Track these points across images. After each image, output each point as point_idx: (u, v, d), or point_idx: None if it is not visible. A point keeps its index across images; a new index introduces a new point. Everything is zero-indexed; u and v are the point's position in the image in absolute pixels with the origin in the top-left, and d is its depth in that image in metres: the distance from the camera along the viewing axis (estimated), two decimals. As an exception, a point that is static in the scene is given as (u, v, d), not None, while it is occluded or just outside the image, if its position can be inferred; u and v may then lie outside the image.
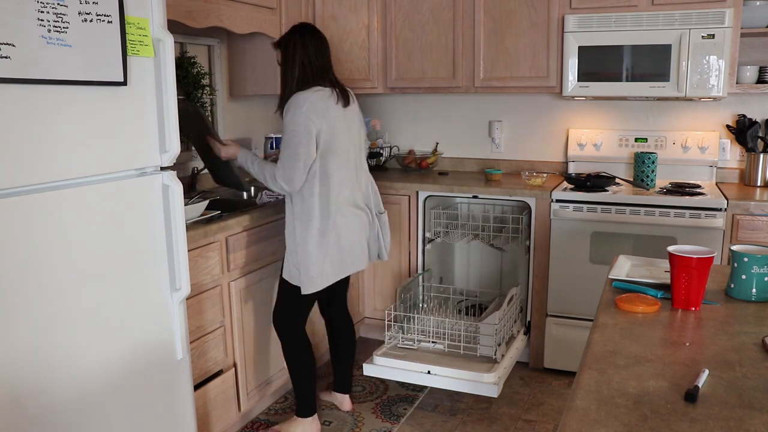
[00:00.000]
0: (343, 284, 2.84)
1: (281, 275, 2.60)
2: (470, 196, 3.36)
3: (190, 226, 2.31)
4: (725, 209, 2.91)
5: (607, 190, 3.20)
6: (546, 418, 2.88)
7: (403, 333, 3.13)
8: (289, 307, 2.63)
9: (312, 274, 2.48)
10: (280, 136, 3.53)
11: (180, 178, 2.06)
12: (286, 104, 2.46)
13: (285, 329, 2.64)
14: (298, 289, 2.54)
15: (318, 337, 3.17)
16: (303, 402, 2.68)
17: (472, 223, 3.54)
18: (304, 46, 2.49)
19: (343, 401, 2.93)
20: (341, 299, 2.89)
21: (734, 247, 1.61)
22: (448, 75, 3.55)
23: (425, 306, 3.43)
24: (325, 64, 2.54)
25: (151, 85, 1.88)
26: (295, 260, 2.51)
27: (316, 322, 3.08)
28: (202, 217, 2.49)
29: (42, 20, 1.54)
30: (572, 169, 3.67)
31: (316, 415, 2.73)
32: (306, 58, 2.49)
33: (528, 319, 3.35)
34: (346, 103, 2.55)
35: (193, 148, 3.03)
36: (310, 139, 2.41)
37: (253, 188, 3.37)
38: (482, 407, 2.97)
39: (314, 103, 2.42)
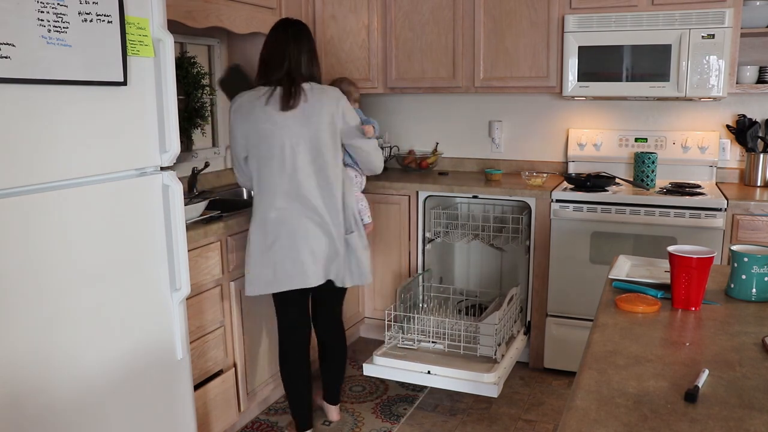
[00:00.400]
0: (323, 298, 2.65)
1: None
2: (470, 196, 3.36)
3: (190, 226, 2.31)
4: (725, 209, 2.91)
5: (607, 190, 3.20)
6: (546, 418, 2.88)
7: (403, 333, 3.13)
8: (276, 311, 2.62)
9: (249, 276, 2.45)
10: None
11: (180, 178, 2.06)
12: None
13: (278, 334, 2.64)
14: (270, 295, 2.54)
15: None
16: (295, 416, 2.64)
17: (472, 223, 3.54)
18: (267, 41, 2.42)
19: (330, 412, 2.84)
20: (325, 311, 2.70)
21: (734, 247, 1.61)
22: (448, 75, 3.55)
23: (425, 306, 3.43)
24: (279, 60, 2.35)
25: (151, 85, 1.88)
26: (246, 260, 2.48)
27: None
28: (202, 217, 2.49)
29: (42, 20, 1.54)
30: (572, 169, 3.67)
31: (310, 431, 2.67)
32: (265, 54, 2.41)
33: (528, 319, 3.35)
34: (287, 103, 2.32)
35: None
36: (236, 140, 2.43)
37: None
38: (482, 407, 2.97)
39: (240, 105, 2.38)
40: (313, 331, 2.74)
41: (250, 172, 2.45)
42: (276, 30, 2.43)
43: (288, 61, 2.37)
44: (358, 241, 2.51)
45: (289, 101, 2.32)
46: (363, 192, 2.81)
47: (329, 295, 2.66)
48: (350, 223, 2.49)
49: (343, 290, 2.67)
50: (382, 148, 3.96)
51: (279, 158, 2.35)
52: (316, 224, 2.41)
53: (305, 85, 2.38)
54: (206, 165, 3.05)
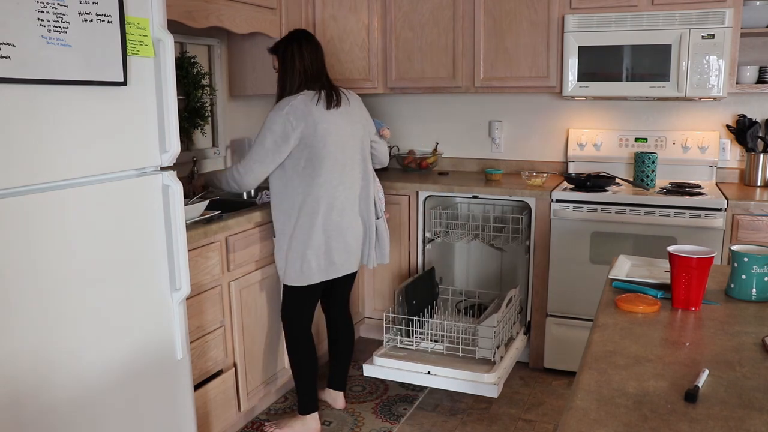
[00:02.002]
0: (344, 283, 2.83)
1: None
2: (470, 196, 3.36)
3: (190, 226, 2.31)
4: (725, 209, 2.91)
5: (607, 190, 3.20)
6: (546, 418, 2.88)
7: (401, 334, 3.12)
8: (291, 304, 2.68)
9: (297, 269, 2.57)
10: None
11: (180, 178, 2.06)
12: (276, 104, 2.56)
13: (289, 326, 2.69)
14: (292, 286, 2.62)
15: (322, 336, 3.18)
16: (304, 399, 2.71)
17: (472, 223, 3.54)
18: (301, 54, 2.57)
19: (337, 398, 2.95)
20: (342, 298, 2.89)
21: (734, 247, 1.61)
22: (448, 75, 3.55)
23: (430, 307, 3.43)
24: (318, 70, 2.60)
25: (151, 85, 1.88)
26: (282, 255, 2.59)
27: (318, 321, 3.07)
28: (202, 217, 2.49)
29: (42, 20, 1.54)
30: (572, 169, 3.67)
31: (316, 414, 2.74)
32: (302, 66, 2.57)
33: (528, 319, 3.35)
34: (333, 105, 2.56)
35: None
36: (283, 141, 2.48)
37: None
38: (482, 407, 2.97)
39: (295, 106, 2.50)
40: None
41: (271, 169, 2.55)
42: (307, 42, 2.61)
43: (323, 71, 2.63)
44: (384, 226, 2.83)
45: (338, 102, 2.58)
46: None
47: (347, 281, 2.85)
48: (379, 210, 2.81)
49: (355, 276, 2.88)
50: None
51: (333, 155, 2.54)
52: (357, 213, 2.67)
53: (341, 88, 2.68)
54: (194, 162, 3.05)
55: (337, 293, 2.86)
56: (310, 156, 2.51)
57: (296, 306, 2.67)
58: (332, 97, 2.57)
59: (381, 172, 3.83)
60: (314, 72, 2.59)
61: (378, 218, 2.78)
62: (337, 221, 2.58)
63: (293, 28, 3.37)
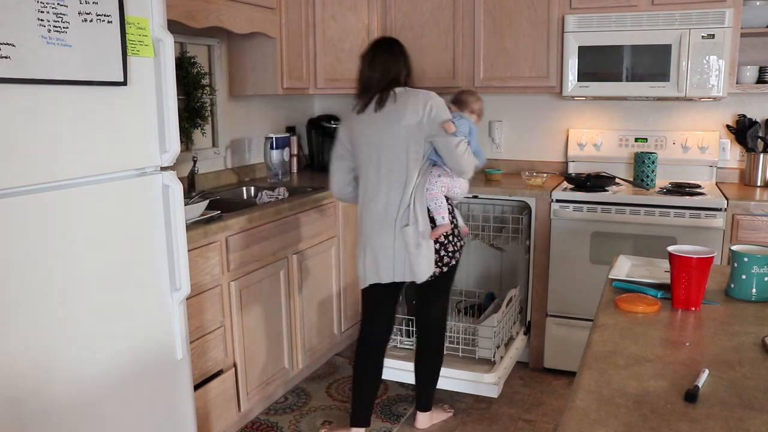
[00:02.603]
0: (421, 291, 2.66)
1: None
2: (470, 196, 3.36)
3: (190, 226, 2.31)
4: (725, 209, 2.91)
5: (607, 190, 3.20)
6: (546, 418, 2.88)
7: (401, 334, 3.12)
8: (362, 307, 2.68)
9: (358, 272, 2.58)
10: (279, 135, 3.54)
11: (180, 178, 2.06)
12: None
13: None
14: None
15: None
16: (352, 409, 2.67)
17: (472, 223, 3.54)
18: (362, 61, 2.54)
19: (419, 419, 2.79)
20: (422, 307, 2.70)
21: (734, 247, 1.61)
22: (448, 75, 3.55)
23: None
24: (373, 75, 2.49)
25: (151, 85, 1.88)
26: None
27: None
28: (202, 217, 2.49)
29: (42, 20, 1.54)
30: (572, 169, 3.67)
31: (362, 429, 2.66)
32: (359, 73, 2.55)
33: (528, 319, 3.35)
34: (374, 108, 2.45)
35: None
36: (341, 149, 2.57)
37: (253, 188, 3.37)
38: (482, 407, 2.97)
39: (345, 115, 2.58)
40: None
41: (340, 174, 2.60)
42: (369, 48, 2.56)
43: (389, 76, 2.48)
44: (411, 237, 2.44)
45: (375, 105, 2.46)
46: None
47: (422, 292, 2.67)
48: (409, 218, 2.45)
49: (434, 291, 2.62)
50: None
51: (368, 161, 2.49)
52: (389, 222, 2.46)
53: (398, 89, 2.48)
54: (195, 161, 3.05)
55: (416, 304, 2.73)
56: (357, 162, 2.54)
57: (363, 308, 2.67)
58: (377, 102, 2.45)
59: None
60: (366, 78, 2.50)
61: (405, 226, 2.44)
62: (369, 229, 2.49)
63: (293, 29, 3.39)
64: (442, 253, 2.52)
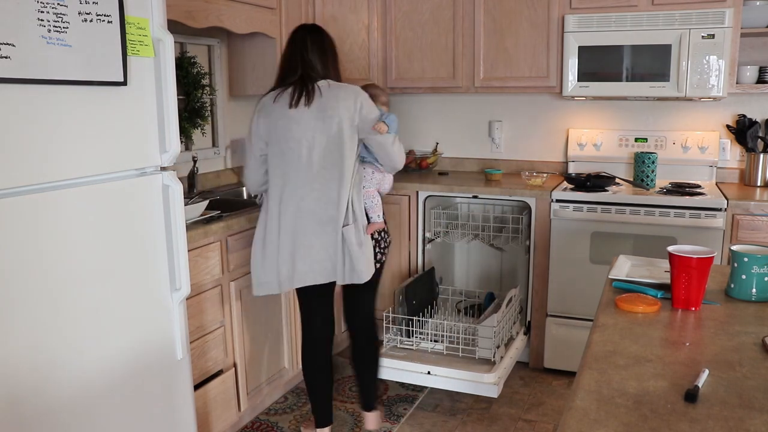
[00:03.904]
0: (350, 291, 2.63)
1: None
2: (470, 196, 3.36)
3: (190, 226, 2.31)
4: (725, 209, 2.91)
5: (607, 190, 3.20)
6: (546, 418, 2.88)
7: (401, 334, 3.12)
8: (300, 308, 2.65)
9: (255, 278, 2.46)
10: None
11: (180, 178, 2.06)
12: None
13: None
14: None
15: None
16: (314, 412, 2.65)
17: (472, 223, 3.54)
18: (287, 45, 2.47)
19: (367, 419, 2.76)
20: (353, 307, 2.67)
21: (734, 247, 1.61)
22: (448, 75, 3.55)
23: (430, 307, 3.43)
24: (298, 62, 2.41)
25: (151, 85, 1.88)
26: (251, 259, 2.49)
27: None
28: (202, 217, 2.49)
29: (42, 20, 1.54)
30: (572, 169, 3.67)
31: (326, 429, 2.65)
32: (283, 58, 2.48)
33: (528, 319, 3.35)
34: (304, 101, 2.36)
35: None
36: (256, 139, 2.43)
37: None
38: (482, 407, 2.97)
39: (263, 103, 2.42)
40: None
41: (261, 171, 2.47)
42: (295, 33, 2.49)
43: (302, 65, 2.42)
44: (352, 236, 2.40)
45: (300, 99, 2.36)
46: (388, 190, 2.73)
47: (352, 292, 2.64)
48: (348, 217, 2.42)
49: (366, 286, 2.56)
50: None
51: (296, 153, 2.37)
52: (325, 220, 2.39)
53: (322, 83, 2.40)
54: (195, 161, 3.04)
55: (345, 304, 2.69)
56: (276, 155, 2.39)
57: (300, 307, 2.63)
58: (300, 94, 2.37)
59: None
60: (292, 65, 2.42)
61: (345, 225, 2.40)
62: (296, 227, 2.38)
63: (293, 29, 3.39)
64: (376, 249, 2.56)
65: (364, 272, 2.43)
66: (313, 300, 2.57)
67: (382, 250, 2.59)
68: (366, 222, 2.48)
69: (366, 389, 2.73)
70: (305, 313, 2.60)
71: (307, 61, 2.42)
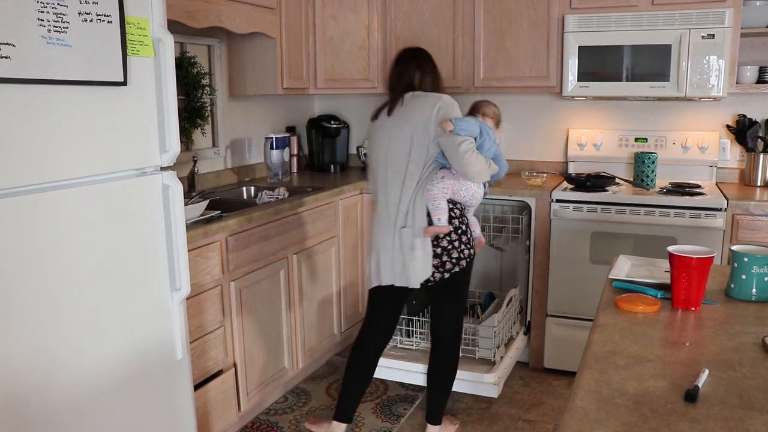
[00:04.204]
0: (433, 294, 2.58)
1: None
2: (470, 196, 3.36)
3: (190, 226, 2.31)
4: (725, 209, 2.91)
5: (607, 190, 3.20)
6: (546, 418, 2.88)
7: (401, 334, 3.12)
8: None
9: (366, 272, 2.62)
10: (279, 135, 3.54)
11: (180, 178, 2.06)
12: None
13: None
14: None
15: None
16: (338, 403, 2.65)
17: (472, 223, 3.54)
18: (392, 69, 2.62)
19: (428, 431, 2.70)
20: (434, 311, 2.62)
21: (734, 247, 1.61)
22: (448, 75, 3.55)
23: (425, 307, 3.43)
24: (396, 81, 2.57)
25: (151, 85, 1.88)
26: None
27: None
28: (202, 217, 2.49)
29: (42, 20, 1.54)
30: (572, 169, 3.67)
31: (343, 425, 2.62)
32: (391, 77, 2.61)
33: (528, 319, 3.35)
34: (386, 111, 2.52)
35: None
36: (368, 157, 2.63)
37: (253, 188, 3.37)
38: (482, 407, 2.97)
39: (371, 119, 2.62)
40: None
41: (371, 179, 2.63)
42: (398, 56, 2.63)
43: (403, 82, 2.54)
44: (408, 239, 2.42)
45: (383, 110, 2.54)
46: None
47: (435, 300, 2.60)
48: (408, 220, 2.43)
49: (443, 296, 2.54)
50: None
51: (376, 166, 2.54)
52: (389, 223, 2.48)
53: (408, 94, 2.51)
54: (195, 161, 3.04)
55: (433, 310, 2.64)
56: (370, 165, 2.61)
57: (366, 310, 2.69)
58: (386, 106, 2.53)
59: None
60: (391, 84, 2.61)
61: (402, 227, 2.43)
62: (375, 230, 2.55)
63: (293, 29, 3.39)
64: (444, 258, 2.44)
65: (413, 277, 2.43)
66: (383, 300, 2.61)
67: (452, 260, 2.45)
68: (425, 225, 2.42)
69: (435, 402, 2.66)
70: (368, 315, 2.66)
71: (407, 79, 2.54)
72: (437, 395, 2.64)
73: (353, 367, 2.62)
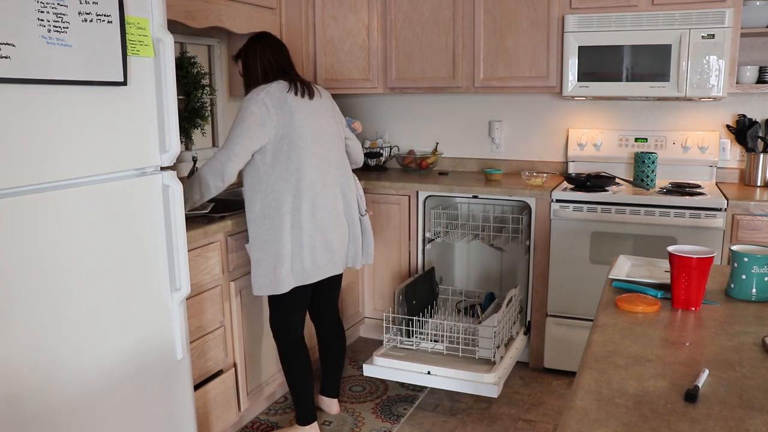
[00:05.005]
0: (330, 286, 2.74)
1: None
2: (470, 196, 3.36)
3: (190, 226, 2.31)
4: (725, 209, 2.91)
5: (607, 190, 3.20)
6: (546, 418, 2.88)
7: (401, 334, 3.12)
8: (276, 314, 2.59)
9: (278, 275, 2.42)
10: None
11: (180, 178, 2.06)
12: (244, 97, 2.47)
13: (277, 336, 2.62)
14: (276, 294, 2.49)
15: (314, 341, 3.17)
16: (302, 410, 2.65)
17: (472, 223, 3.54)
18: (263, 50, 2.52)
19: (331, 405, 2.89)
20: (329, 303, 2.78)
21: (734, 247, 1.61)
22: (448, 75, 3.55)
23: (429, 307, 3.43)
24: (284, 65, 2.54)
25: (151, 85, 1.88)
26: (256, 263, 2.45)
27: (311, 325, 3.07)
28: (202, 217, 2.49)
29: (42, 20, 1.54)
30: (572, 169, 3.67)
31: (315, 423, 2.69)
32: (266, 60, 2.51)
33: (528, 319, 3.35)
34: (309, 95, 2.49)
35: None
36: (261, 125, 2.36)
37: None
38: (482, 407, 2.97)
39: (270, 92, 2.41)
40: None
41: (246, 158, 2.39)
42: (268, 40, 2.56)
43: (290, 65, 2.59)
44: (369, 224, 2.72)
45: (311, 93, 2.52)
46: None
47: (334, 285, 2.76)
48: (362, 206, 2.69)
49: (341, 278, 2.79)
50: (382, 148, 3.97)
51: (312, 147, 2.47)
52: (340, 211, 2.56)
53: (312, 84, 2.58)
54: (195, 161, 3.04)
55: (324, 297, 2.75)
56: (288, 149, 2.40)
57: (284, 315, 2.57)
58: (303, 88, 2.49)
59: (381, 173, 3.83)
60: (279, 66, 2.51)
61: (362, 215, 2.69)
62: (320, 220, 2.46)
63: (293, 29, 3.39)
64: None
65: (373, 254, 2.83)
66: (301, 300, 2.62)
67: None
68: None
69: (335, 378, 2.89)
70: (290, 315, 2.60)
71: (290, 63, 2.59)
72: (338, 371, 2.88)
73: (306, 367, 2.64)
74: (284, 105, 2.41)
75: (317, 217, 2.46)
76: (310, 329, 3.08)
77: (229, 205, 2.81)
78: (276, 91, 2.42)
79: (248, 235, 2.49)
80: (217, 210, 2.63)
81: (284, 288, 2.44)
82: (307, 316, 2.91)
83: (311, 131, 2.45)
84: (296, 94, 2.45)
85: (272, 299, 2.57)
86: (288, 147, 2.40)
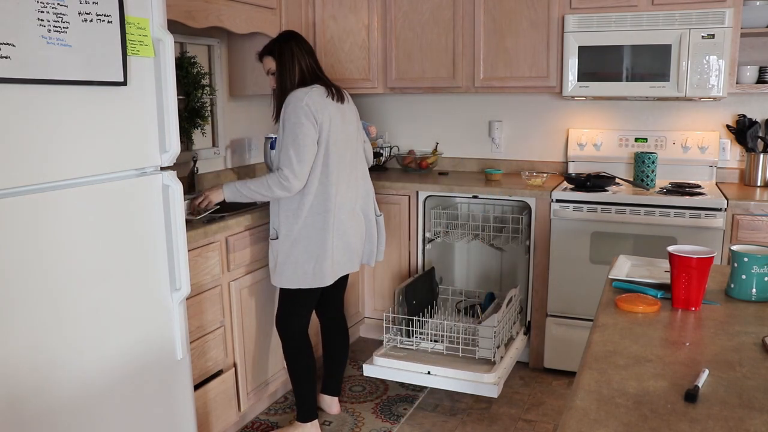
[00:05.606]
0: (338, 285, 2.79)
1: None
2: (470, 196, 3.36)
3: (190, 226, 2.31)
4: (725, 209, 2.91)
5: (607, 190, 3.20)
6: (546, 418, 2.88)
7: (401, 334, 3.12)
8: (291, 309, 2.62)
9: (306, 271, 2.49)
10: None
11: (180, 178, 2.06)
12: (285, 102, 2.46)
13: (290, 333, 2.63)
14: (294, 290, 2.55)
15: (318, 339, 3.17)
16: (305, 407, 2.66)
17: (472, 223, 3.54)
18: (300, 50, 2.54)
19: (332, 404, 2.90)
20: (337, 301, 2.84)
21: (734, 247, 1.61)
22: (448, 75, 3.55)
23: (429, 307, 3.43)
24: (317, 68, 2.61)
25: (151, 85, 1.88)
26: (284, 258, 2.51)
27: (314, 323, 3.07)
28: (202, 217, 2.49)
29: (42, 20, 1.54)
30: (572, 169, 3.67)
31: (316, 421, 2.70)
32: (304, 62, 2.54)
33: (528, 319, 3.35)
34: (341, 99, 2.58)
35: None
36: (314, 130, 2.43)
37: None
38: (482, 407, 2.97)
39: (312, 97, 2.44)
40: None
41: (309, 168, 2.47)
42: (302, 40, 2.60)
43: (320, 67, 2.64)
44: (383, 222, 2.81)
45: (342, 97, 2.60)
46: None
47: (342, 283, 2.82)
48: (377, 207, 2.78)
49: (348, 277, 2.85)
50: (382, 148, 3.97)
51: (343, 150, 2.55)
52: (360, 211, 2.65)
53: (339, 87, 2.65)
54: (195, 161, 3.04)
55: (334, 294, 2.81)
56: (324, 152, 2.47)
57: (296, 311, 2.61)
58: (339, 92, 2.59)
59: (381, 173, 3.83)
60: (313, 69, 2.57)
61: (378, 215, 2.77)
62: (343, 220, 2.54)
63: (292, 29, 3.39)
64: None
65: (383, 252, 2.91)
66: (315, 298, 2.67)
67: None
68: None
69: (338, 377, 2.92)
70: (303, 312, 2.64)
71: (319, 66, 2.64)
72: (342, 370, 2.91)
73: (312, 362, 2.69)
74: (324, 110, 2.47)
75: (340, 217, 2.54)
76: (313, 328, 3.08)
77: (229, 205, 2.81)
78: (317, 96, 2.47)
79: (276, 232, 2.53)
80: (216, 210, 2.63)
81: (309, 284, 2.53)
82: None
83: (342, 135, 2.54)
84: (333, 99, 2.53)
85: (287, 294, 2.59)
86: (324, 150, 2.47)
